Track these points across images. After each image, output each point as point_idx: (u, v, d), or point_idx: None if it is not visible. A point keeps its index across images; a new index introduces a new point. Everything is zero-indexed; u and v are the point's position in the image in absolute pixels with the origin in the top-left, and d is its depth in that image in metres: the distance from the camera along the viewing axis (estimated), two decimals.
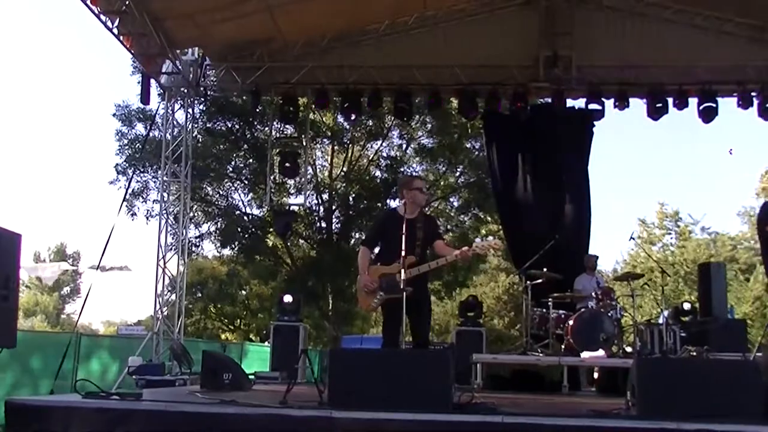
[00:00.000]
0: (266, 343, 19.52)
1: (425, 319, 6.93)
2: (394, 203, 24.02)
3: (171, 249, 13.46)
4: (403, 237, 6.33)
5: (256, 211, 24.24)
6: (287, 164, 13.28)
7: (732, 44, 12.27)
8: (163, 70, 12.47)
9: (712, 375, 5.22)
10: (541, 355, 10.23)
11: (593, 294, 10.66)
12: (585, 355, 9.89)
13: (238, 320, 32.90)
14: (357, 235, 25.22)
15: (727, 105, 12.44)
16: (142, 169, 21.38)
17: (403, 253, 6.31)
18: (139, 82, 11.83)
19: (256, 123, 22.02)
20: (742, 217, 39.65)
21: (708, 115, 12.24)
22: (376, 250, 6.98)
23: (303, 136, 14.59)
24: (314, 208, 24.24)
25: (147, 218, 22.04)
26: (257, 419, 4.90)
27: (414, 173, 23.11)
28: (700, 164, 60.11)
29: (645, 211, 47.32)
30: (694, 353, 10.23)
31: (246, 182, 23.80)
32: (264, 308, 29.61)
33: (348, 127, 23.10)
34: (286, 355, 10.92)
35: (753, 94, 12.28)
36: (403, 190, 7.00)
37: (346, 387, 5.17)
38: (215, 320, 32.20)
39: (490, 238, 6.72)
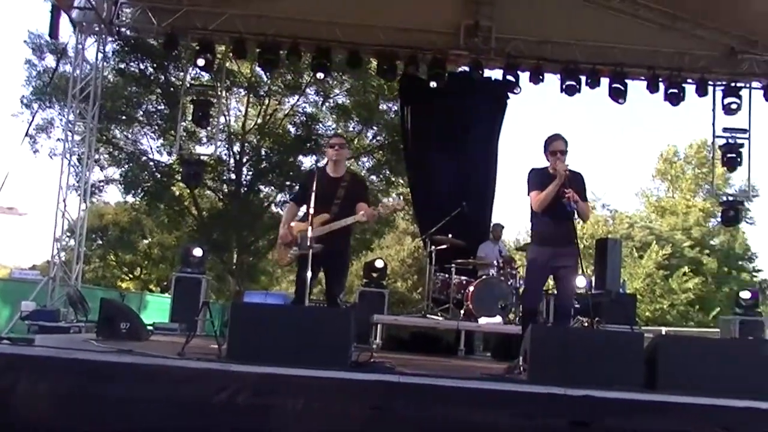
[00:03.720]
0: (167, 294, 19.24)
1: (338, 277, 6.94)
2: (306, 159, 24.00)
3: (72, 191, 13.07)
4: (314, 194, 6.31)
5: (164, 158, 23.78)
6: (200, 113, 13.00)
7: (645, 29, 12.61)
8: (76, 3, 11.96)
9: (600, 345, 5.44)
10: (440, 318, 10.45)
11: (495, 262, 10.90)
12: (483, 320, 10.15)
13: (139, 269, 32.30)
14: (267, 189, 25.08)
15: (637, 87, 12.86)
16: (48, 105, 20.62)
17: (311, 210, 6.29)
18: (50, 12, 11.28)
19: (170, 67, 21.47)
20: (639, 197, 41.17)
21: (618, 95, 12.61)
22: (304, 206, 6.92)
23: (218, 84, 14.29)
24: (225, 159, 23.92)
25: (51, 156, 21.41)
26: (153, 370, 4.84)
27: (333, 131, 23.07)
28: (605, 143, 61.76)
29: None
30: (586, 324, 10.62)
31: (156, 128, 23.24)
32: (166, 258, 29.17)
33: (265, 79, 22.79)
34: (186, 307, 10.75)
35: (661, 79, 12.70)
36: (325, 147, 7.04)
37: (246, 341, 5.16)
38: (115, 268, 31.52)
39: (393, 197, 6.76)
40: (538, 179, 6.62)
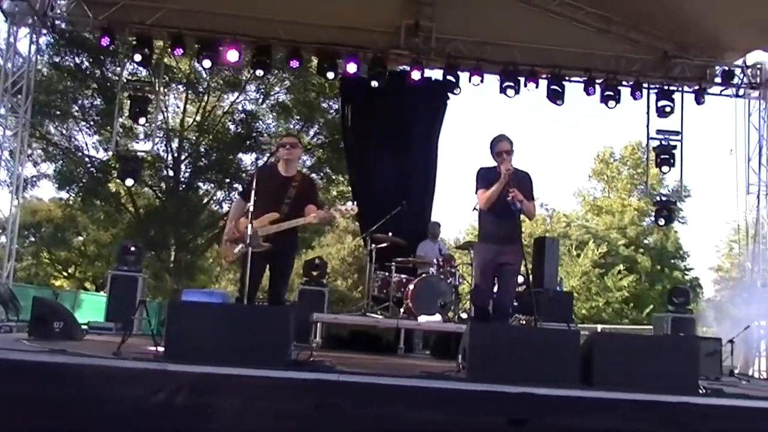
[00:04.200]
0: (102, 293, 18.89)
1: (284, 277, 6.90)
2: (246, 157, 23.82)
3: (4, 187, 12.74)
4: (263, 193, 6.27)
5: (100, 155, 23.33)
6: (137, 109, 12.81)
7: (582, 33, 12.89)
8: None
9: (538, 343, 5.52)
10: (380, 317, 10.46)
11: (435, 260, 10.95)
12: (422, 319, 10.20)
13: (73, 267, 31.57)
14: (206, 187, 24.83)
15: (574, 89, 13.12)
16: None
17: (251, 208, 6.23)
18: None
19: (107, 62, 21.07)
20: (576, 197, 41.89)
21: (556, 97, 12.84)
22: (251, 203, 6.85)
23: (156, 80, 14.09)
24: (163, 156, 23.59)
25: None
26: (87, 370, 4.74)
27: (274, 128, 22.94)
28: (544, 143, 62.64)
29: None
30: (524, 321, 10.76)
31: (92, 123, 22.79)
32: (101, 256, 28.55)
33: (204, 75, 22.54)
34: (122, 305, 10.54)
35: (597, 81, 12.95)
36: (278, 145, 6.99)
37: (184, 340, 5.09)
38: (48, 266, 30.73)
39: (349, 204, 6.73)
40: (485, 178, 6.76)
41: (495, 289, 6.91)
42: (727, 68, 13.23)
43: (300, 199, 6.65)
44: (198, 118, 24.18)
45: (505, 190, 6.50)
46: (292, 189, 6.63)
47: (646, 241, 37.81)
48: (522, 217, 6.80)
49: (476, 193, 6.86)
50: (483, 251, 6.91)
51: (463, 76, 12.75)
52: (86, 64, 21.22)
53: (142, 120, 13.53)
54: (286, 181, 6.65)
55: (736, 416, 5.08)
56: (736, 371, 11.01)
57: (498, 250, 6.70)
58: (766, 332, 12.67)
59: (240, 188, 10.46)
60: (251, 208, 6.20)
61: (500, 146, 6.73)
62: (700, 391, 5.42)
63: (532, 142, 55.38)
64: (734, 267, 31.22)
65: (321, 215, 6.58)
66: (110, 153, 21.20)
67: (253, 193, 6.27)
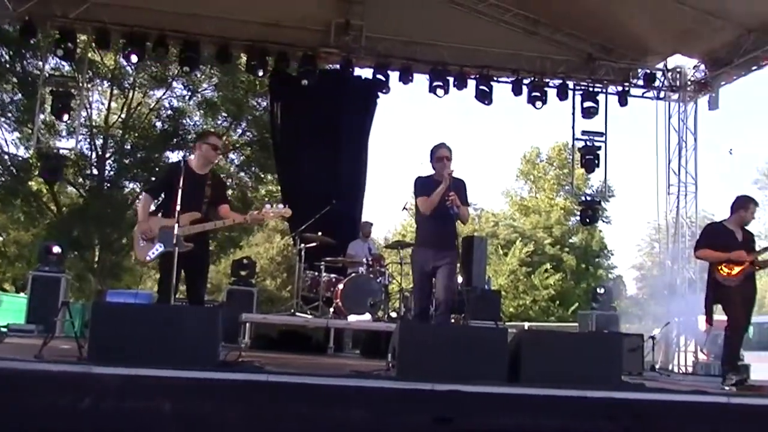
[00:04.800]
0: (22, 294, 18.32)
1: (202, 277, 6.83)
2: (173, 155, 23.43)
3: None
4: (181, 191, 6.15)
5: (21, 152, 22.64)
6: (60, 105, 12.44)
7: (509, 34, 13.07)
8: None
9: (466, 341, 5.58)
10: (309, 316, 10.43)
11: (364, 260, 10.97)
12: (352, 318, 10.20)
13: None
14: (131, 185, 24.34)
15: (503, 89, 13.28)
16: None
17: (178, 207, 6.13)
18: None
19: (28, 55, 20.44)
20: (504, 196, 42.47)
21: (484, 97, 13.00)
22: (160, 200, 6.71)
23: (80, 76, 13.74)
24: (86, 153, 23.03)
25: None
26: (7, 374, 4.58)
27: (206, 128, 22.53)
28: (472, 143, 63.33)
29: None
30: (453, 320, 10.85)
31: (11, 120, 22.09)
32: (22, 256, 27.68)
33: (130, 71, 22.09)
34: (44, 307, 10.27)
35: (525, 82, 13.16)
36: (198, 142, 6.85)
37: (109, 342, 4.98)
38: None
39: (281, 205, 6.66)
40: (424, 185, 6.96)
41: (435, 291, 7.00)
42: (648, 71, 13.61)
43: (215, 198, 6.58)
44: (123, 115, 23.69)
45: (445, 194, 6.68)
46: (207, 188, 6.53)
47: (571, 240, 38.52)
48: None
49: (416, 200, 7.06)
50: (420, 255, 7.06)
51: (394, 75, 12.81)
52: (5, 57, 20.54)
53: (65, 116, 13.17)
54: (202, 179, 6.54)
55: (656, 409, 5.22)
56: (657, 366, 11.36)
57: (435, 253, 6.83)
58: (685, 328, 13.07)
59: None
60: (177, 207, 6.10)
61: (440, 152, 6.95)
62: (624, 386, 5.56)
63: (461, 142, 55.92)
64: (655, 265, 32.11)
65: (253, 216, 6.53)
66: (31, 151, 20.56)
67: (164, 189, 6.19)
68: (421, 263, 6.98)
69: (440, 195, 6.71)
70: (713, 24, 11.87)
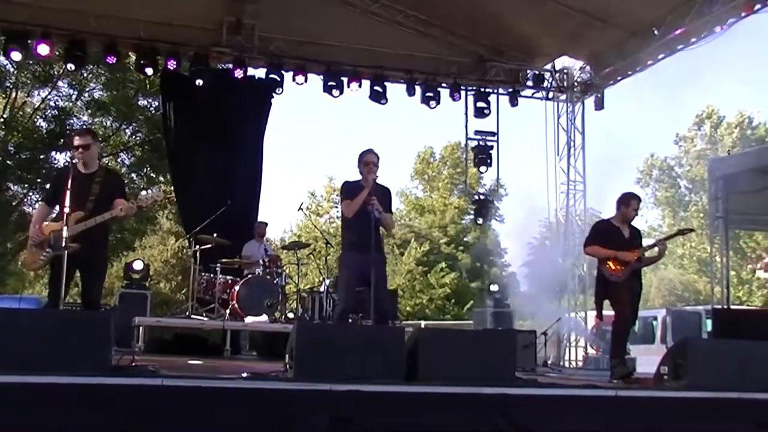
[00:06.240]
0: None
1: (96, 278, 6.61)
2: (60, 156, 22.63)
3: None
4: (69, 192, 5.98)
5: None
6: None
7: (402, 35, 13.23)
8: None
9: (363, 340, 5.61)
10: (205, 319, 10.29)
11: (261, 261, 10.90)
12: (249, 319, 10.12)
13: None
14: (16, 188, 23.39)
15: (396, 89, 13.46)
16: None
17: (66, 209, 5.94)
18: None
19: None
20: (399, 196, 42.86)
21: (378, 97, 13.14)
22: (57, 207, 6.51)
23: None
24: None
25: None
26: None
27: (86, 126, 21.84)
28: (367, 143, 63.70)
29: (314, 184, 49.32)
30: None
31: None
32: None
33: (12, 69, 21.19)
34: None
35: (418, 82, 13.35)
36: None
37: None
38: None
39: (153, 189, 6.53)
40: (350, 189, 7.13)
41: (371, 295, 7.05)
42: (537, 72, 14.03)
43: (105, 194, 6.40)
44: (5, 114, 22.71)
45: (368, 198, 6.85)
46: (95, 185, 6.36)
47: (466, 239, 39.17)
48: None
49: (341, 204, 7.28)
50: (346, 258, 7.20)
51: (288, 75, 12.77)
52: None
53: None
54: (88, 178, 6.37)
55: (549, 404, 5.39)
56: (549, 362, 11.71)
57: (361, 258, 6.90)
58: (575, 324, 13.54)
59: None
60: (64, 209, 5.92)
61: (367, 158, 7.12)
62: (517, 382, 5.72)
63: (356, 142, 56.19)
64: (547, 262, 32.98)
65: (127, 206, 6.35)
66: None
67: (58, 194, 6.04)
68: (348, 268, 7.12)
69: (362, 198, 6.88)
70: (598, 26, 12.33)
